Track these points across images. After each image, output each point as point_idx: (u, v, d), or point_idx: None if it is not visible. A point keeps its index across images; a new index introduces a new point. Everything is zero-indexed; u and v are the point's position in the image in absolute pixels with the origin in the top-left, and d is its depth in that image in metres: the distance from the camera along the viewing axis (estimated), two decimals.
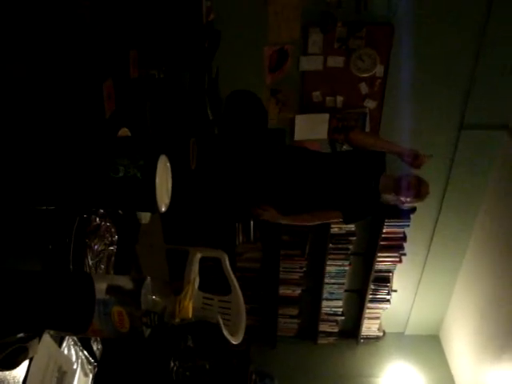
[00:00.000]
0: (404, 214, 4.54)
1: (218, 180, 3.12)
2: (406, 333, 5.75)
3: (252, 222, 4.43)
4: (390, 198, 3.07)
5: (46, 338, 1.13)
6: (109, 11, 1.88)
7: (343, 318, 5.43)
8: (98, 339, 1.46)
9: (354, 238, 4.82)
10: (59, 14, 1.45)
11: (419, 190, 2.98)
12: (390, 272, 5.09)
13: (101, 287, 1.05)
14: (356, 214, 3.17)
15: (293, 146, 4.02)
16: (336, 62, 3.96)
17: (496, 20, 3.77)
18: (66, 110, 1.44)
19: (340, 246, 4.85)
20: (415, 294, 5.41)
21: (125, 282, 1.08)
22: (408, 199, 3.02)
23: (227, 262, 2.39)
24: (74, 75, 1.50)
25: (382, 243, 4.78)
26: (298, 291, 5.17)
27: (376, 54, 3.87)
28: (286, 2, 3.73)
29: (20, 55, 1.28)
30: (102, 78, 1.66)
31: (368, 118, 4.19)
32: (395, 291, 5.24)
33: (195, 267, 2.16)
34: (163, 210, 1.10)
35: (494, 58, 3.93)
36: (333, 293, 5.22)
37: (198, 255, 2.22)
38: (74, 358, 1.32)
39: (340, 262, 4.98)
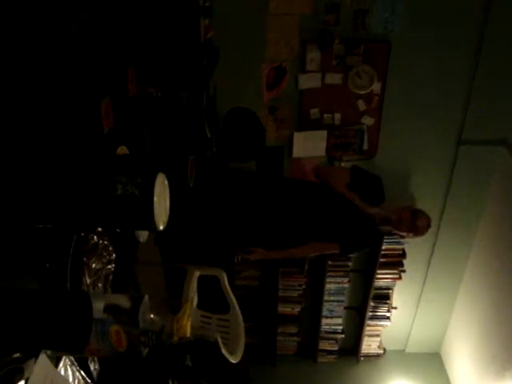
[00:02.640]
0: None
1: (214, 201, 3.09)
2: (407, 350, 5.71)
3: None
4: (389, 230, 3.01)
5: (43, 358, 1.12)
6: (107, 28, 1.88)
7: (343, 335, 5.38)
8: (95, 359, 1.45)
9: (354, 255, 4.80)
10: (56, 32, 1.45)
11: (414, 224, 2.91)
12: (389, 289, 5.07)
13: (98, 306, 1.04)
14: (353, 245, 3.09)
15: (289, 179, 4.00)
16: (334, 79, 3.98)
17: (493, 36, 3.80)
18: (64, 127, 1.44)
19: (339, 263, 4.83)
20: (415, 311, 5.37)
21: (123, 301, 1.07)
22: (404, 233, 2.94)
23: (226, 280, 2.38)
24: (71, 92, 1.50)
25: (381, 260, 4.76)
26: (298, 309, 5.13)
27: (373, 70, 3.88)
28: (284, 20, 3.76)
29: (18, 73, 1.28)
30: (99, 96, 1.66)
31: (366, 135, 4.20)
32: (395, 308, 5.21)
33: (193, 285, 2.15)
34: (161, 228, 1.09)
35: (492, 73, 3.95)
36: (332, 310, 5.19)
37: (197, 273, 2.20)
38: (70, 379, 1.30)
39: (339, 280, 4.95)
